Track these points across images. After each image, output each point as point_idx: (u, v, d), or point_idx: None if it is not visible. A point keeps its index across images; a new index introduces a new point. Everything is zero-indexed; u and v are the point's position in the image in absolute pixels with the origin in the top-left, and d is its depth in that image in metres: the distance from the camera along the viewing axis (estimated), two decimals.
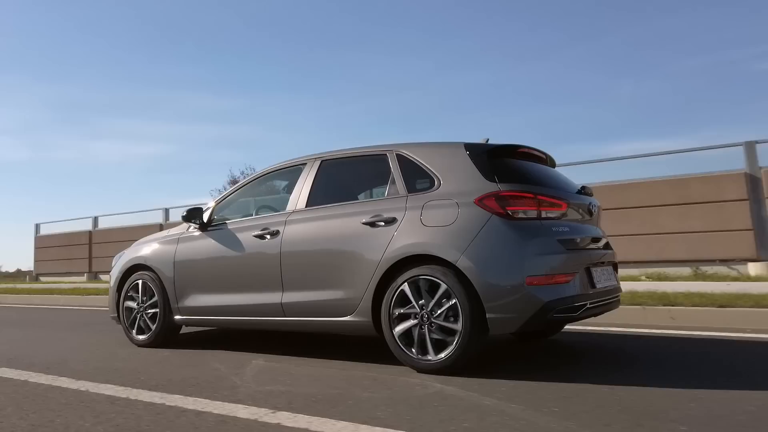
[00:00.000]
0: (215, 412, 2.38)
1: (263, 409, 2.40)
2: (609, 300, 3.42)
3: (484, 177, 3.14)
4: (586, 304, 3.08)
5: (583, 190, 3.60)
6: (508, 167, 3.26)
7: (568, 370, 3.09)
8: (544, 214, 3.09)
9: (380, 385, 2.83)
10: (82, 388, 2.91)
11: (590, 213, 3.50)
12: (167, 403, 2.54)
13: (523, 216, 3.04)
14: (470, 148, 3.31)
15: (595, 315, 3.37)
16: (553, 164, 3.86)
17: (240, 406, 2.47)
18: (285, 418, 2.26)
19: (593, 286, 3.19)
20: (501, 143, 3.41)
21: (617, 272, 3.77)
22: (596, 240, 3.50)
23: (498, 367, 3.19)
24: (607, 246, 3.68)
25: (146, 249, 4.60)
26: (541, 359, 3.51)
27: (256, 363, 3.55)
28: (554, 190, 3.26)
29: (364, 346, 4.02)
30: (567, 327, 4.60)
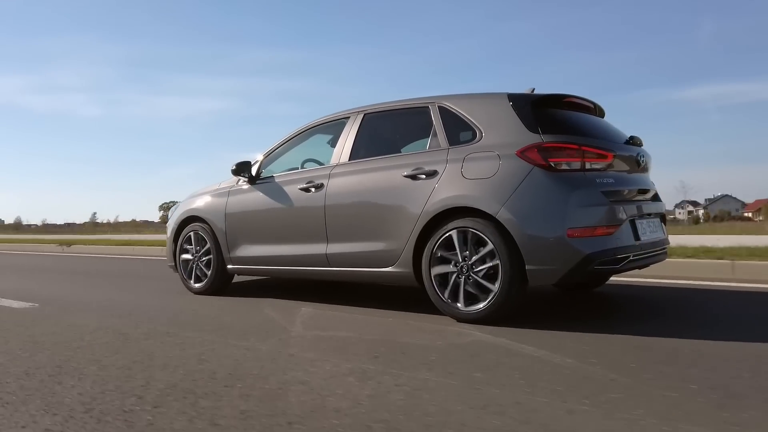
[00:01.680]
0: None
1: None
2: (655, 252, 3.37)
3: (527, 128, 3.10)
4: (629, 257, 3.05)
5: (632, 140, 3.50)
6: (552, 118, 3.20)
7: (612, 322, 3.10)
8: (588, 166, 3.03)
9: (424, 333, 2.94)
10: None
11: (638, 164, 3.40)
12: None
13: (567, 168, 3.00)
14: (514, 98, 3.25)
15: (640, 267, 3.33)
16: (602, 114, 3.75)
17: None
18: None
19: (637, 238, 3.14)
20: (546, 93, 3.33)
21: (665, 224, 3.69)
22: (644, 191, 3.42)
23: (542, 318, 3.24)
24: (655, 197, 3.60)
25: (199, 201, 4.80)
26: (585, 310, 3.52)
27: (306, 310, 3.72)
28: (600, 141, 3.18)
29: (407, 295, 4.12)
30: (618, 278, 4.56)
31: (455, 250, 3.15)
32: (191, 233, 4.76)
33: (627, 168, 3.34)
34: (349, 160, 3.81)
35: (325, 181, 3.84)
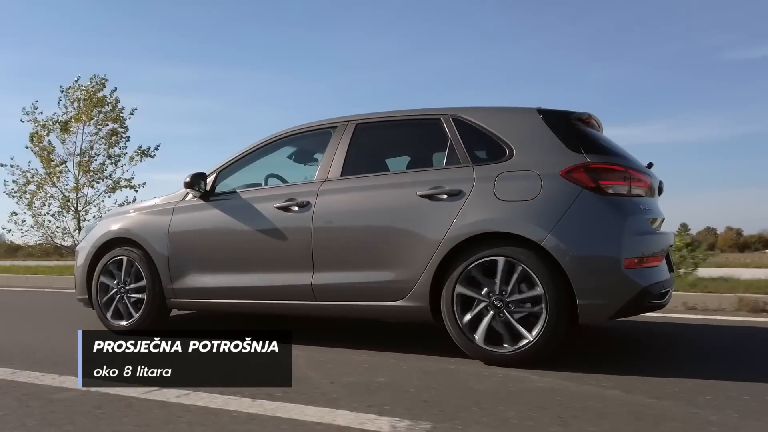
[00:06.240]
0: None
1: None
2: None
3: (568, 147, 2.79)
4: (669, 291, 2.84)
5: (649, 165, 3.35)
6: (589, 137, 2.94)
7: (652, 359, 2.85)
8: (633, 191, 2.79)
9: (441, 376, 2.47)
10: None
11: (660, 191, 3.25)
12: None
13: (614, 192, 2.73)
14: (545, 114, 2.94)
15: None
16: None
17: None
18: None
19: (671, 270, 2.95)
20: (574, 110, 3.07)
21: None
22: (662, 221, 3.27)
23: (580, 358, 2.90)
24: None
25: (128, 220, 3.93)
26: (600, 348, 3.26)
27: (301, 352, 3.05)
28: (639, 164, 2.98)
29: (411, 333, 3.61)
30: None
31: (488, 282, 2.72)
32: (116, 259, 3.86)
33: (650, 195, 3.16)
34: (341, 175, 3.26)
35: (311, 199, 3.23)
